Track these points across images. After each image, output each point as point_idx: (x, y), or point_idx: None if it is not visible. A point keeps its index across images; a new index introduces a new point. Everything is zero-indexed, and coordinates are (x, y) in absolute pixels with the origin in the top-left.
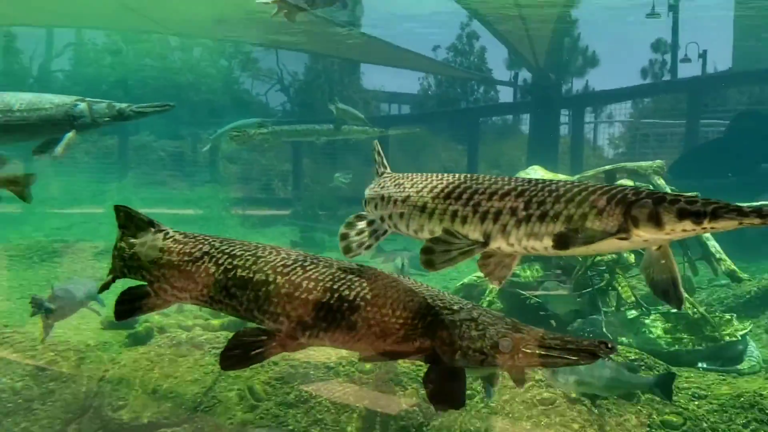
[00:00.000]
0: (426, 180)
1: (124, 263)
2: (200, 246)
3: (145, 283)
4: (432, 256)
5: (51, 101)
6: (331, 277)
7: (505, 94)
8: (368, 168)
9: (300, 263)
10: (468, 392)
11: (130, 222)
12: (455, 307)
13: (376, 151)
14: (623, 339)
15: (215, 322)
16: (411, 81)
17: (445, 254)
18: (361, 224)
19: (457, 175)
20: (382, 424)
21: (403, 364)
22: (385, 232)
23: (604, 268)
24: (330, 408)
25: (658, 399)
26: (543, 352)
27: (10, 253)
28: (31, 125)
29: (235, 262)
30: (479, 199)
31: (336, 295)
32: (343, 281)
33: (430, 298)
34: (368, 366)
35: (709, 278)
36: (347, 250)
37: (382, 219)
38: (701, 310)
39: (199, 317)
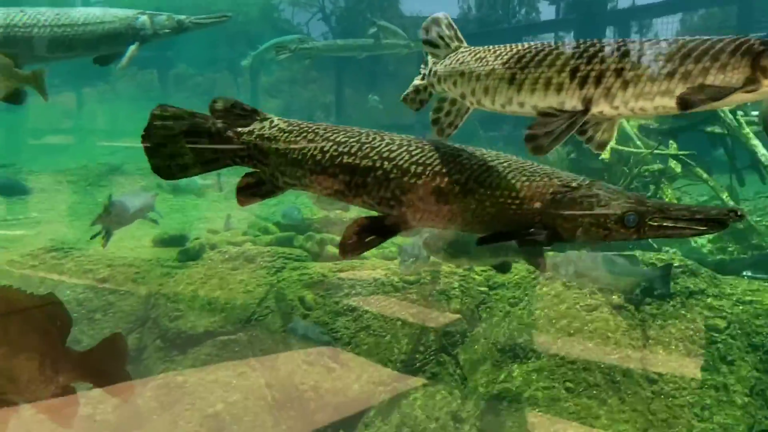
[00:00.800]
0: (512, 51)
1: (234, 153)
2: (305, 134)
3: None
4: (537, 141)
5: (115, 15)
6: (441, 160)
7: (548, 13)
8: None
9: (406, 148)
10: (513, 299)
11: (230, 113)
12: (573, 184)
13: (445, 25)
14: (668, 248)
15: (264, 238)
16: (450, 5)
17: (548, 135)
18: (446, 105)
19: (546, 43)
20: (427, 331)
21: (449, 277)
22: (468, 110)
23: (649, 178)
24: (377, 316)
25: (701, 303)
26: (669, 224)
27: (64, 180)
28: (95, 39)
29: (341, 149)
30: (576, 64)
31: (449, 179)
32: (454, 164)
33: (547, 176)
34: (413, 277)
35: (756, 189)
36: (441, 132)
37: (462, 96)
38: (748, 218)
39: (248, 234)
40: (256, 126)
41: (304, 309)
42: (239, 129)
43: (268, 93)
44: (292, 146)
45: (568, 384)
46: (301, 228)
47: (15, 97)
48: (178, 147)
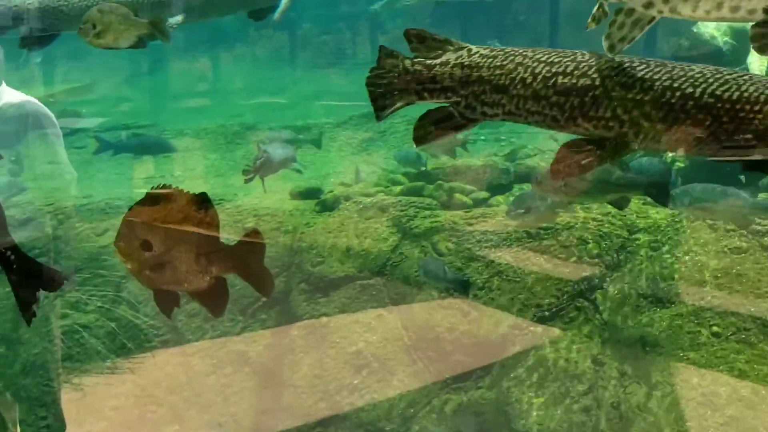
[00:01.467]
0: None
1: (423, 87)
2: (512, 57)
3: (446, 105)
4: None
5: None
6: (669, 74)
7: None
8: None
9: (628, 65)
10: (655, 243)
11: (422, 44)
12: None
13: None
14: None
15: (395, 189)
16: None
17: None
18: (621, 17)
19: None
20: (564, 276)
21: (587, 223)
22: (650, 21)
23: None
24: (511, 262)
25: None
26: None
27: (203, 139)
28: None
29: (554, 70)
30: None
31: (678, 93)
32: (684, 78)
33: None
34: (545, 224)
35: None
36: (611, 48)
37: (648, 5)
38: None
39: (379, 185)
40: (450, 56)
41: (436, 255)
42: (430, 61)
43: (391, 45)
44: (497, 72)
45: (715, 329)
46: (419, 172)
47: (139, 44)
48: (382, 87)
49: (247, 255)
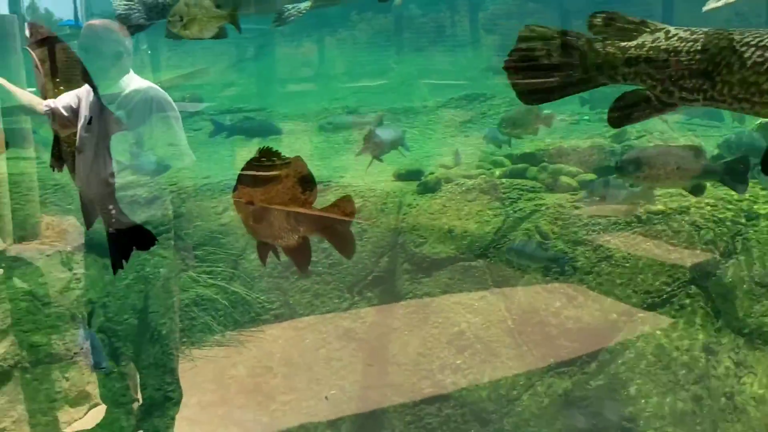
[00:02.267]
0: None
1: (615, 70)
2: (716, 41)
3: (642, 89)
4: None
5: None
6: None
7: None
8: None
9: None
10: None
11: (610, 26)
12: None
13: None
14: None
15: (497, 170)
16: None
17: None
18: None
19: None
20: (675, 262)
21: (701, 209)
22: None
23: None
24: (620, 247)
25: None
26: None
27: (308, 122)
28: None
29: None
30: None
31: None
32: None
33: None
34: (657, 207)
35: None
36: None
37: None
38: None
39: (481, 167)
40: (646, 38)
41: (541, 238)
42: (624, 44)
43: (483, 28)
44: (698, 56)
45: None
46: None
47: (221, 34)
48: (545, 69)
49: (333, 220)
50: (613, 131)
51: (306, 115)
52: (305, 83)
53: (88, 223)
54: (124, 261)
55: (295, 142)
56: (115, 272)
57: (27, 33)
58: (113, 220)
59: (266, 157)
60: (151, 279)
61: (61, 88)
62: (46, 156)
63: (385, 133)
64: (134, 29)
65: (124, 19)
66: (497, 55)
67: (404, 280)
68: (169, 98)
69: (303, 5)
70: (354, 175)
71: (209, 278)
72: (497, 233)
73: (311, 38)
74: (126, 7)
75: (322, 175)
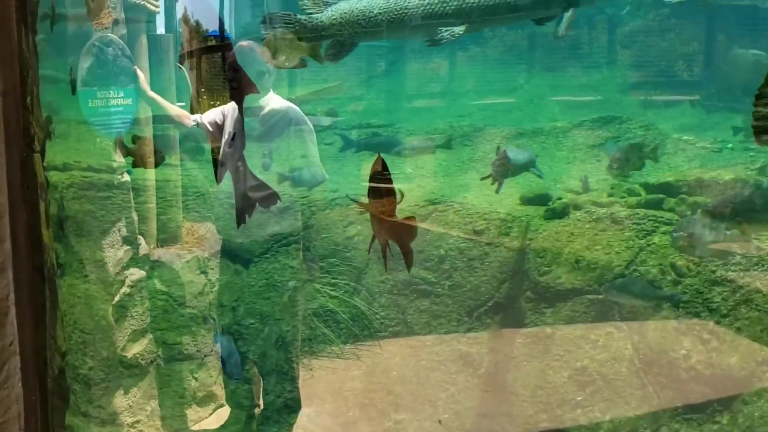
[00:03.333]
0: None
1: None
2: None
3: None
4: None
5: None
6: None
7: None
8: None
9: None
10: None
11: None
12: None
13: None
14: None
15: (631, 200)
16: None
17: None
18: None
19: None
20: None
21: None
22: None
23: None
24: (762, 289)
25: None
26: None
27: (432, 139)
28: (535, 2)
29: None
30: None
31: None
32: None
33: None
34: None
35: None
36: None
37: None
38: None
39: (612, 194)
40: None
41: (675, 275)
42: None
43: (620, 43)
44: None
45: None
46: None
47: (300, 64)
48: None
49: (401, 232)
50: (759, 163)
51: (431, 131)
52: (432, 99)
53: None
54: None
55: (420, 158)
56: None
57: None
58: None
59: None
60: (279, 287)
61: (205, 98)
62: (190, 164)
63: (517, 155)
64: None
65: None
66: (635, 74)
67: (525, 309)
68: (306, 118)
69: (457, 30)
70: (477, 195)
71: (332, 290)
72: (628, 266)
73: (441, 54)
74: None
75: (444, 193)
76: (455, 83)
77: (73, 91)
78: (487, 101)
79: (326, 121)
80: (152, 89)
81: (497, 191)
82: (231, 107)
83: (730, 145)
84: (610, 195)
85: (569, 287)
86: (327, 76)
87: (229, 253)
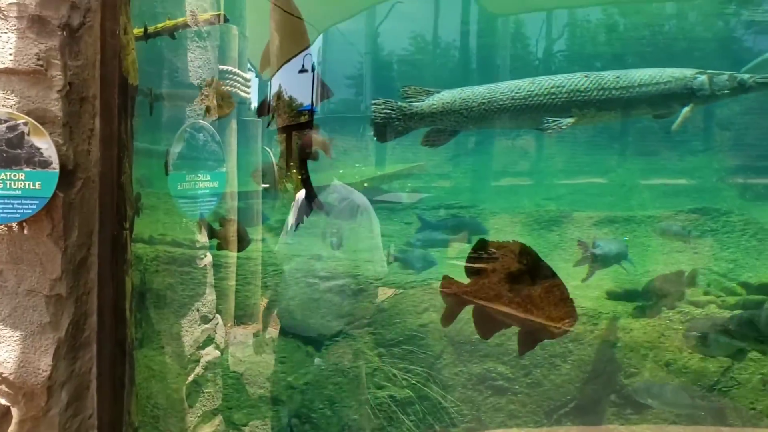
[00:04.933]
0: None
1: None
2: None
3: None
4: None
5: (671, 75)
6: None
7: None
8: None
9: None
10: None
11: None
12: None
13: None
14: None
15: (729, 300)
16: None
17: None
18: None
19: None
20: None
21: None
22: None
23: None
24: None
25: None
26: None
27: (518, 221)
28: (651, 98)
29: None
30: None
31: None
32: None
33: None
34: None
35: None
36: None
37: None
38: None
39: (711, 293)
40: None
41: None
42: None
43: (719, 125)
44: None
45: None
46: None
47: (313, 157)
48: None
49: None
50: None
51: (516, 213)
52: (519, 178)
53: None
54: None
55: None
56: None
57: None
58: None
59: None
60: (348, 372)
61: (294, 172)
62: (272, 240)
63: (608, 245)
64: (392, 136)
65: (380, 126)
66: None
67: (609, 413)
68: (368, 204)
69: (565, 121)
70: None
71: (404, 378)
72: (725, 374)
73: (531, 133)
74: (384, 114)
75: None
76: (543, 163)
77: (166, 172)
78: (576, 181)
79: (408, 199)
80: (239, 171)
81: (584, 280)
82: (299, 198)
83: None
84: (705, 293)
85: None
86: (411, 155)
87: (300, 335)
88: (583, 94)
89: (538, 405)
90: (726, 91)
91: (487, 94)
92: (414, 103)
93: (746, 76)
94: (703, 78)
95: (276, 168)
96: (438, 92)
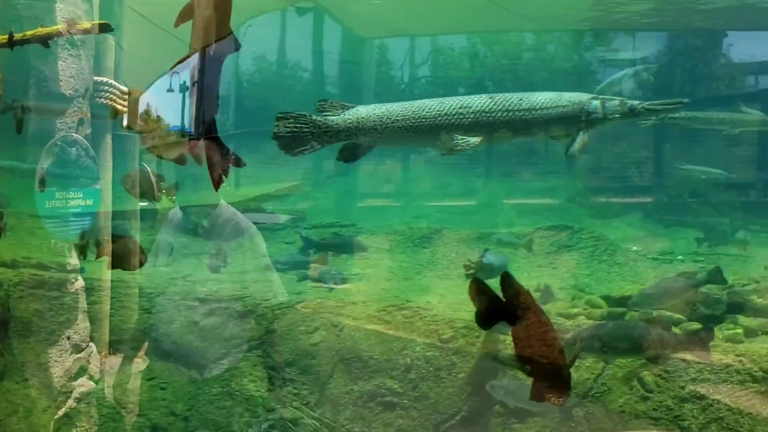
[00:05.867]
0: None
1: None
2: None
3: None
4: None
5: (569, 99)
6: None
7: None
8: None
9: None
10: None
11: None
12: None
13: None
14: None
15: (594, 312)
16: None
17: None
18: None
19: None
20: None
21: None
22: None
23: None
24: (732, 408)
25: None
26: None
27: (390, 240)
28: (551, 120)
29: None
30: None
31: None
32: None
33: None
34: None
35: None
36: None
37: None
38: None
39: (575, 306)
40: None
41: (644, 390)
42: None
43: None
44: None
45: None
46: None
47: (180, 161)
48: None
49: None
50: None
51: (390, 232)
52: (385, 199)
53: None
54: None
55: (380, 259)
56: None
57: None
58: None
59: None
60: (237, 396)
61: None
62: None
63: (493, 258)
64: (305, 150)
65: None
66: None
67: (494, 423)
68: (252, 226)
69: (472, 140)
70: (438, 299)
71: (295, 400)
72: (596, 380)
73: (395, 156)
74: (295, 129)
75: (407, 296)
76: (411, 184)
77: (41, 188)
78: (443, 203)
79: (284, 219)
80: (114, 188)
81: None
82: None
83: (680, 257)
84: (573, 306)
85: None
86: (286, 175)
87: (183, 358)
88: (488, 114)
89: (426, 418)
90: (617, 116)
91: (400, 111)
92: (329, 117)
93: (636, 102)
94: (597, 102)
95: (155, 184)
96: (353, 107)
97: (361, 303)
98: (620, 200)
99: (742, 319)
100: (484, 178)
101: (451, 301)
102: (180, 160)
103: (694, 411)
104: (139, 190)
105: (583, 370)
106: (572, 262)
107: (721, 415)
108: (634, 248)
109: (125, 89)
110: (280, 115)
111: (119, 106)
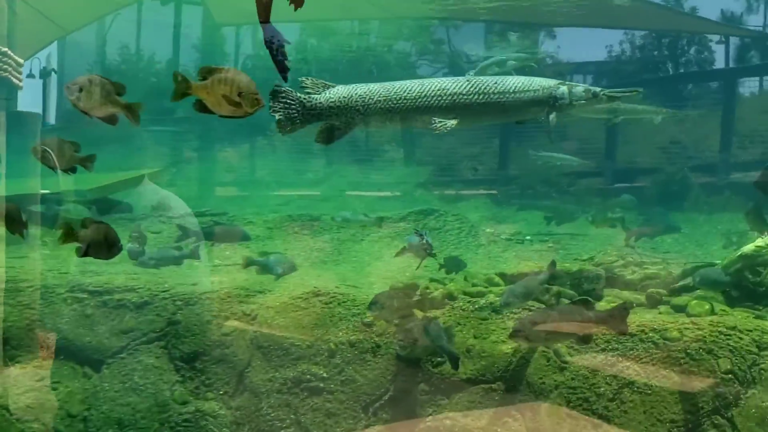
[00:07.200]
0: None
1: None
2: None
3: None
4: None
5: (540, 84)
6: None
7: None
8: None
9: None
10: None
11: None
12: None
13: None
14: None
15: (496, 289)
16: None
17: None
18: None
19: None
20: (696, 391)
21: (716, 337)
22: None
23: None
24: (640, 372)
25: None
26: None
27: (270, 227)
28: (522, 104)
29: None
30: None
31: None
32: None
33: None
34: (675, 334)
35: None
36: None
37: None
38: None
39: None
40: None
41: (560, 361)
42: None
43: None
44: None
45: None
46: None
47: (110, 120)
48: None
49: None
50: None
51: (269, 221)
52: (229, 188)
53: None
54: None
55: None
56: None
57: None
58: None
59: None
60: (142, 391)
61: None
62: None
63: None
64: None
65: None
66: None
67: (422, 401)
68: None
69: (450, 123)
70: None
71: (209, 392)
72: (515, 354)
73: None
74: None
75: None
76: (259, 173)
77: None
78: (294, 192)
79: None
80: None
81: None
82: None
83: (529, 238)
84: (473, 285)
85: (464, 378)
86: (135, 161)
87: (74, 356)
88: (465, 97)
89: (354, 400)
90: (582, 101)
91: (382, 92)
92: (312, 96)
93: (598, 89)
94: (564, 88)
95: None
96: (335, 86)
97: (268, 292)
98: (470, 192)
99: (618, 293)
100: (325, 169)
101: (362, 285)
102: (111, 120)
103: (608, 378)
104: (53, 160)
105: (502, 345)
106: (444, 244)
107: (632, 379)
108: (488, 230)
109: (21, 60)
110: (275, 89)
111: (15, 79)
